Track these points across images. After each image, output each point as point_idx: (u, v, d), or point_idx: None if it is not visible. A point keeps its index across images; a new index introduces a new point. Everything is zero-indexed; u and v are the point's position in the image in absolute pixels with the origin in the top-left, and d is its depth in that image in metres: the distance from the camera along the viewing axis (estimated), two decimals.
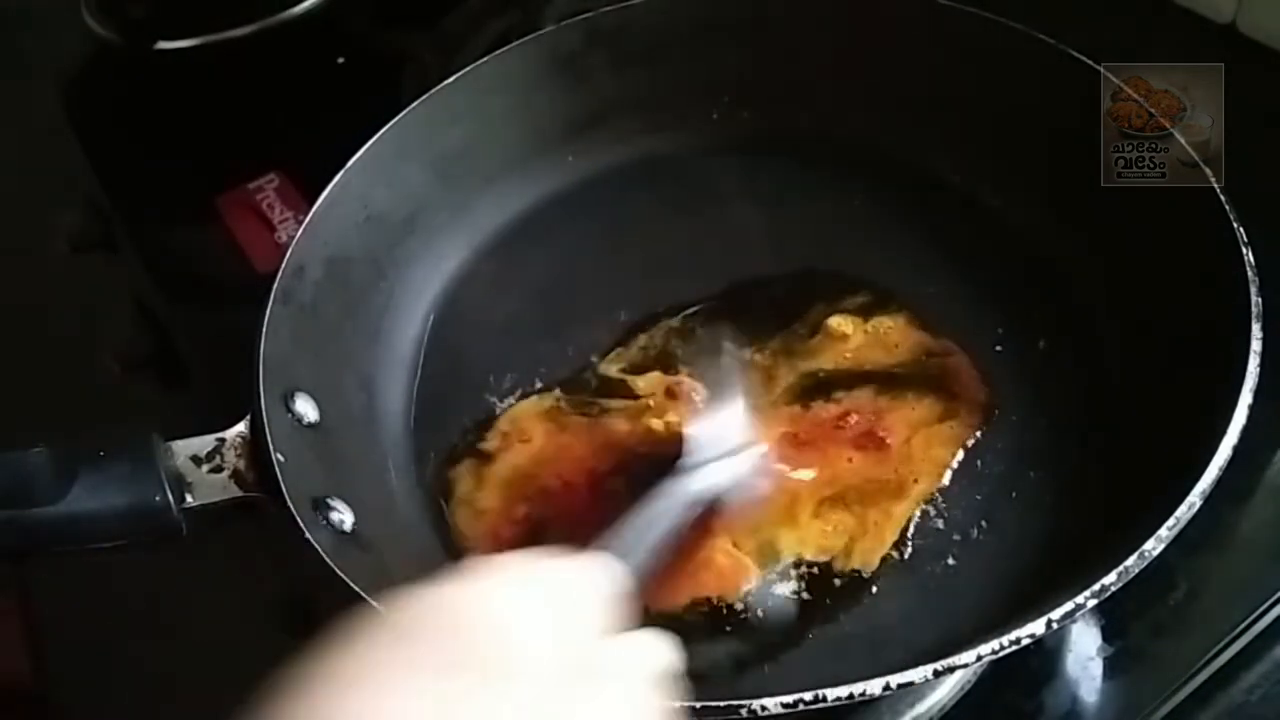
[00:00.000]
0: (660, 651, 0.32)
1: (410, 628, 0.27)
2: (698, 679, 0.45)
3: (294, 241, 0.55)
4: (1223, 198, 0.49)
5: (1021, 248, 0.59)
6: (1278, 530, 0.53)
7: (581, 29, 0.65)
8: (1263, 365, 0.43)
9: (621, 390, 0.56)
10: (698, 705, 0.37)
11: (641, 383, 0.56)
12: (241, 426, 0.47)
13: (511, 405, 0.56)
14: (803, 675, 0.45)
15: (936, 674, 0.37)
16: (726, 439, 0.49)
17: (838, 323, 0.57)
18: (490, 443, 0.55)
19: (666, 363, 0.57)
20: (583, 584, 0.31)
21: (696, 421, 0.51)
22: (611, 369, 0.57)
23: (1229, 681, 0.48)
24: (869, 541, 0.49)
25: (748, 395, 0.53)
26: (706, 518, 0.48)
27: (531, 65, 0.65)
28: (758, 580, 0.48)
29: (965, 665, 0.37)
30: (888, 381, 0.54)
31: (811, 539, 0.49)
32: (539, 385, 0.57)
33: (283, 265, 0.54)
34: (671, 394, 0.55)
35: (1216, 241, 0.48)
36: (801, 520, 0.50)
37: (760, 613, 0.48)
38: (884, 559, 0.49)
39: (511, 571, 0.29)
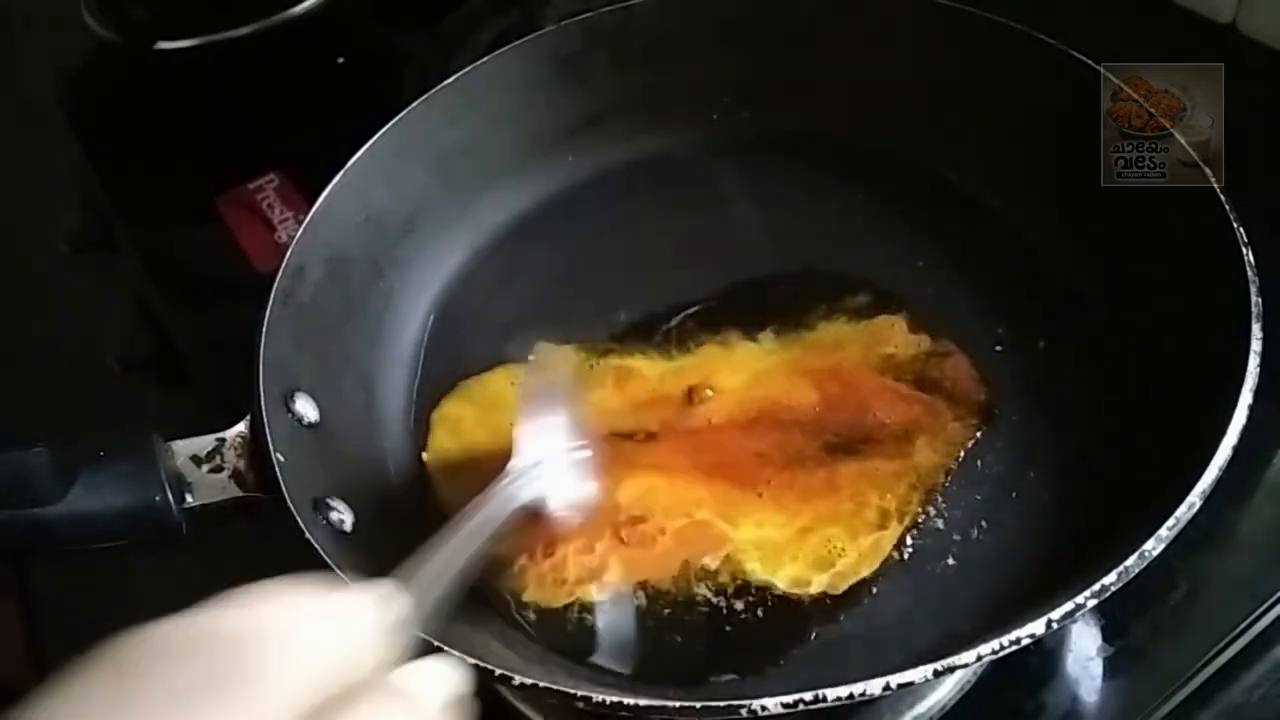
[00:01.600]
0: (445, 680, 0.30)
1: (142, 657, 0.24)
2: (699, 679, 0.46)
3: (294, 241, 0.55)
4: (1223, 198, 0.49)
5: (1021, 248, 0.59)
6: (1278, 530, 0.53)
7: (581, 29, 0.65)
8: (1263, 365, 0.43)
9: None
10: (698, 705, 0.37)
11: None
12: (241, 426, 0.47)
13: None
14: (803, 675, 0.45)
15: (936, 674, 0.37)
16: (552, 443, 0.48)
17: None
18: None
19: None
20: (357, 610, 0.27)
21: (524, 424, 0.49)
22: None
23: (1229, 681, 0.48)
24: (863, 545, 0.49)
25: (576, 396, 0.53)
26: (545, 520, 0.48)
27: (531, 65, 0.65)
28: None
29: (965, 665, 0.37)
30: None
31: (800, 562, 0.49)
32: None
33: (283, 265, 0.54)
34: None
35: (1216, 241, 0.48)
36: (788, 541, 0.49)
37: (760, 613, 0.48)
38: (884, 559, 0.48)
39: (272, 595, 0.26)
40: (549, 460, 0.47)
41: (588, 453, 0.50)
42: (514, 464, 0.46)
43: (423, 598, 0.33)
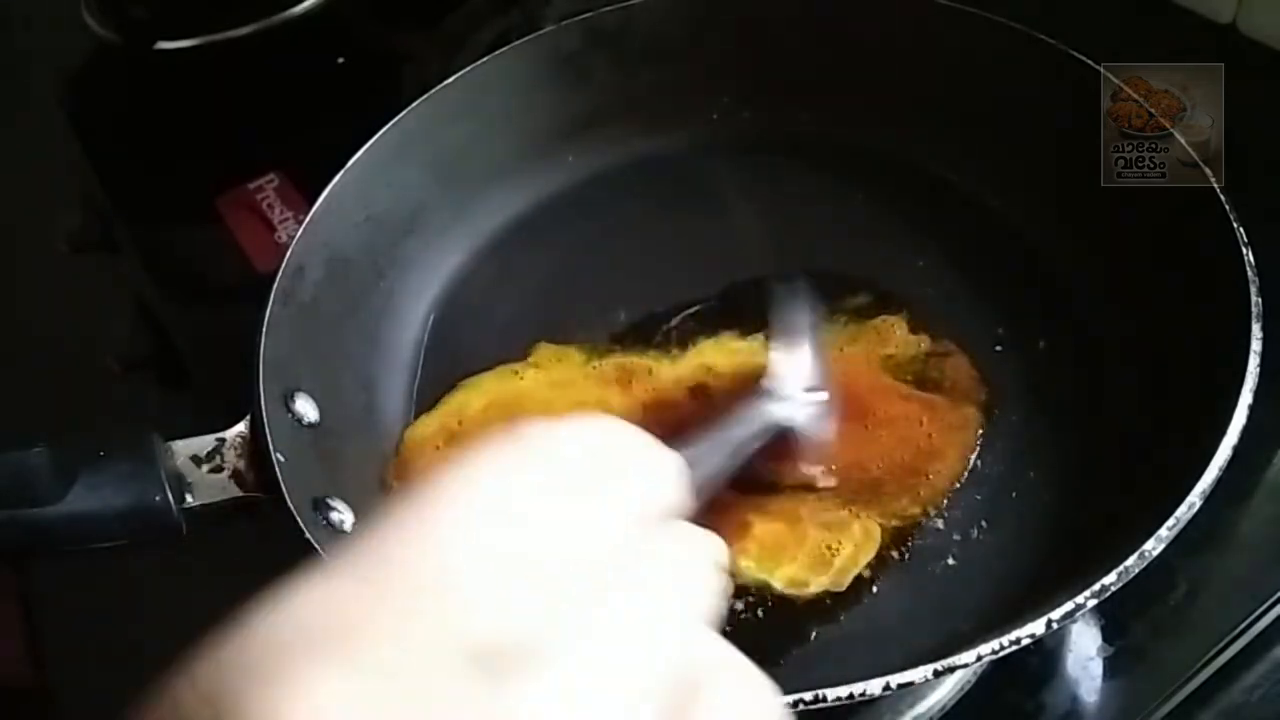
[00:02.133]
0: (717, 544, 0.30)
1: (553, 445, 0.25)
2: None
3: (294, 241, 0.55)
4: (1223, 198, 0.49)
5: (1021, 248, 0.59)
6: (1278, 530, 0.53)
7: (581, 29, 0.65)
8: (1263, 365, 0.43)
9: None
10: None
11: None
12: (241, 426, 0.47)
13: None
14: (803, 675, 0.45)
15: (936, 674, 0.37)
16: (802, 376, 0.50)
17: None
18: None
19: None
20: (673, 459, 0.29)
21: (779, 354, 0.51)
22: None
23: (1229, 681, 0.48)
24: (856, 534, 0.49)
25: (818, 341, 0.53)
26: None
27: (531, 65, 0.65)
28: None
29: (965, 665, 0.37)
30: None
31: (798, 563, 0.49)
32: None
33: (283, 265, 0.54)
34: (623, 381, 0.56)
35: (1216, 241, 0.48)
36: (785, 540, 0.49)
37: (760, 613, 0.48)
38: (884, 559, 0.49)
39: (603, 421, 0.28)
40: (801, 387, 0.49)
41: (825, 392, 0.50)
42: (771, 384, 0.48)
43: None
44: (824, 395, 0.50)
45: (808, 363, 0.50)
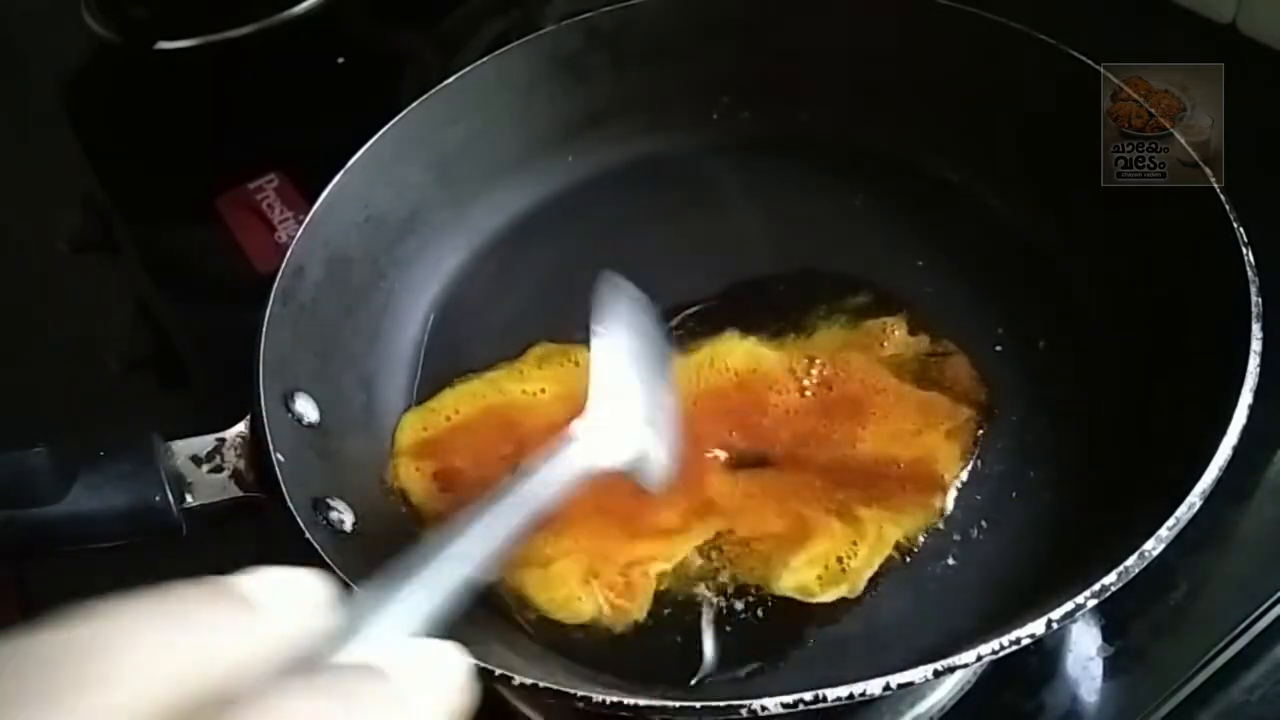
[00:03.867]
0: (434, 666, 0.27)
1: None
2: (698, 679, 0.46)
3: (294, 241, 0.55)
4: (1223, 198, 0.49)
5: (1022, 248, 0.59)
6: (1278, 530, 0.53)
7: (581, 29, 0.65)
8: (1263, 365, 0.43)
9: None
10: (698, 705, 0.37)
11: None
12: (241, 426, 0.48)
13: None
14: (803, 675, 0.45)
15: (936, 674, 0.37)
16: (627, 404, 0.45)
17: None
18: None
19: None
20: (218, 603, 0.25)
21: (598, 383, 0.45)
22: None
23: (1229, 681, 0.48)
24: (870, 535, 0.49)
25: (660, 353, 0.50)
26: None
27: (531, 65, 0.65)
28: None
29: (965, 665, 0.37)
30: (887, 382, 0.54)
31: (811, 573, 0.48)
32: None
33: (283, 265, 0.54)
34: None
35: (1216, 241, 0.48)
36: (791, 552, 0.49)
37: (760, 613, 0.48)
38: (884, 559, 0.49)
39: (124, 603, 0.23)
40: (622, 422, 0.44)
41: (668, 416, 0.46)
42: (581, 423, 0.43)
43: (459, 566, 0.30)
44: (655, 429, 0.45)
45: (632, 389, 0.45)
